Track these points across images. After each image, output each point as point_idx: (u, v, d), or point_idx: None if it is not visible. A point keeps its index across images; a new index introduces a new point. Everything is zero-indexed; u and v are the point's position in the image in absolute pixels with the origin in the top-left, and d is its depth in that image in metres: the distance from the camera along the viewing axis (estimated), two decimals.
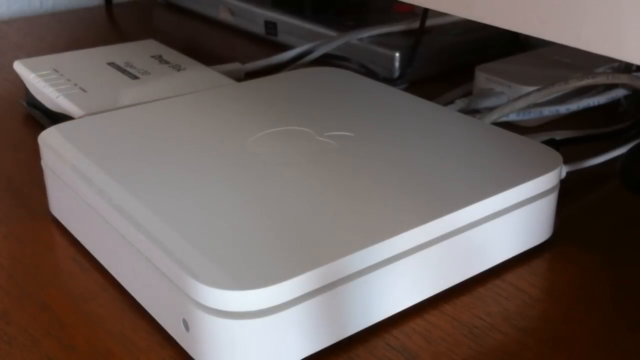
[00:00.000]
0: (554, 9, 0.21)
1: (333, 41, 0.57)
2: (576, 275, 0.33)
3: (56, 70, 0.48)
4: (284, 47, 0.61)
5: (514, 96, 0.46)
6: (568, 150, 0.40)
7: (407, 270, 0.30)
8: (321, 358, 0.28)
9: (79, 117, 0.42)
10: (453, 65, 0.58)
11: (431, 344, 0.29)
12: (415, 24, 0.57)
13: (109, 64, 0.50)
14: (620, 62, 0.50)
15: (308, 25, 0.61)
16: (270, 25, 0.64)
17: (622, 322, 0.30)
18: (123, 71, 0.48)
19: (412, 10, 0.63)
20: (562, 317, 0.31)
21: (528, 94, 0.44)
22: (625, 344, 0.29)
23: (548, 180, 0.33)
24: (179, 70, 0.49)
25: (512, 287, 0.32)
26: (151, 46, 0.53)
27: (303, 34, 0.61)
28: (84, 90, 0.45)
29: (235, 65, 0.55)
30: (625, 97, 0.48)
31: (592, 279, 0.33)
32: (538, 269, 0.34)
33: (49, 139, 0.36)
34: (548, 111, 0.46)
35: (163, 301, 0.29)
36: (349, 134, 0.37)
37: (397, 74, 0.55)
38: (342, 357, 0.29)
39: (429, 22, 0.57)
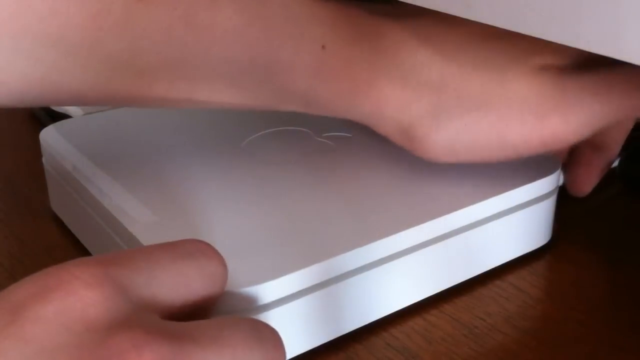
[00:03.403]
0: (554, 9, 0.21)
1: None
2: (576, 276, 0.33)
3: None
4: None
5: None
6: None
7: (406, 270, 0.30)
8: (321, 357, 0.28)
9: (79, 116, 0.42)
10: None
11: (431, 344, 0.29)
12: None
13: None
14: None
15: None
16: None
17: (622, 322, 0.30)
18: None
19: None
20: (563, 317, 0.31)
21: None
22: (626, 344, 0.29)
23: (546, 184, 0.33)
24: None
25: (512, 288, 0.32)
26: None
27: None
28: None
29: None
30: None
31: (592, 279, 0.33)
32: (538, 269, 0.34)
33: (50, 137, 0.36)
34: None
35: None
36: (347, 134, 0.37)
37: None
38: (342, 356, 0.29)
39: None
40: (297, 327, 0.27)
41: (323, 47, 0.29)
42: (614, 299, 0.32)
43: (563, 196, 0.36)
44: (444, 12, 0.25)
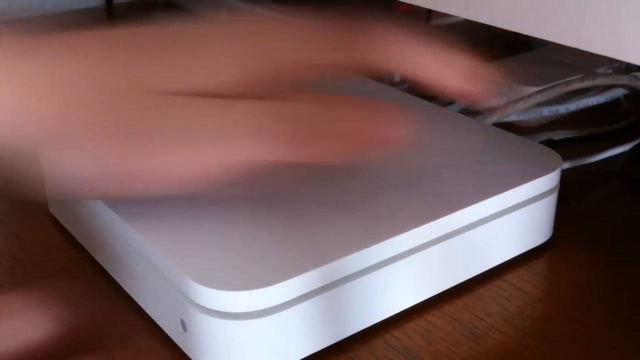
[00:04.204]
0: (554, 9, 0.21)
1: None
2: (576, 275, 0.33)
3: None
4: None
5: (515, 97, 0.46)
6: (567, 150, 0.40)
7: (407, 271, 0.30)
8: (321, 358, 0.28)
9: None
10: None
11: (431, 344, 0.29)
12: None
13: None
14: (621, 62, 0.50)
15: None
16: None
17: (622, 322, 0.30)
18: None
19: (413, 10, 0.63)
20: (562, 317, 0.31)
21: (529, 95, 0.44)
22: (625, 344, 0.29)
23: (548, 181, 0.33)
24: None
25: (512, 287, 0.32)
26: None
27: None
28: None
29: None
30: (625, 96, 0.48)
31: (592, 279, 0.33)
32: (538, 269, 0.34)
33: None
34: (548, 111, 0.45)
35: (161, 302, 0.29)
36: None
37: (398, 74, 0.55)
38: (343, 357, 0.29)
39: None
40: (297, 333, 0.27)
41: None
42: (614, 299, 0.32)
43: (563, 196, 0.36)
44: (445, 12, 0.25)
